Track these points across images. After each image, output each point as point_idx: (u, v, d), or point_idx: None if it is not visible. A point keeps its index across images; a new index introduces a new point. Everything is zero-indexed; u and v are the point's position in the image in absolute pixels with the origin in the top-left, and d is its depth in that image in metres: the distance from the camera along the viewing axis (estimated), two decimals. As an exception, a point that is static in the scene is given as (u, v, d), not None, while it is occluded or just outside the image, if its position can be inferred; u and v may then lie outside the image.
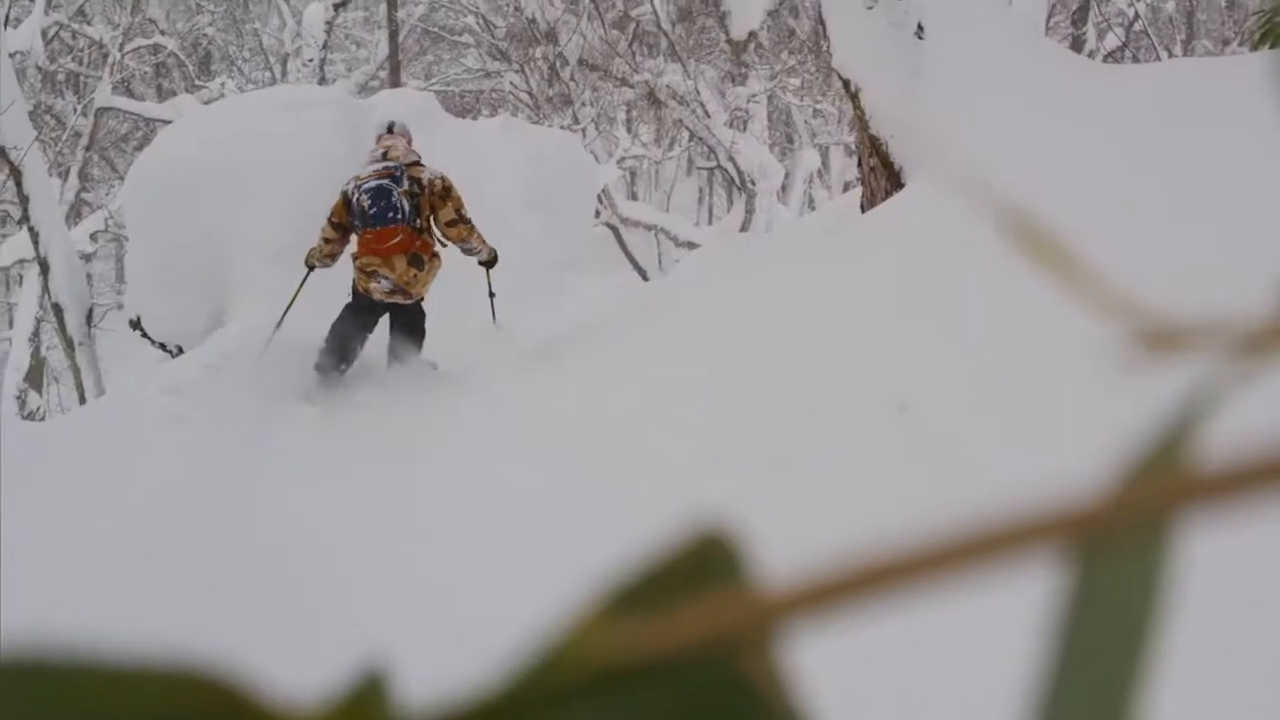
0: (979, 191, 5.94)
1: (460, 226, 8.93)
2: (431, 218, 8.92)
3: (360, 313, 8.95)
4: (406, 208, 8.66)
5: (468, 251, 9.09)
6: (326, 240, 8.97)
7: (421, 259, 8.74)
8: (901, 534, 0.22)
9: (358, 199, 8.68)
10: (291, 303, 9.22)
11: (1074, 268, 0.26)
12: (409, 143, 9.21)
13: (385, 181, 8.68)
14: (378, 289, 8.73)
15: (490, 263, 9.25)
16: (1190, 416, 0.26)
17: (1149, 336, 0.26)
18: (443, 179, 8.88)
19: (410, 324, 8.97)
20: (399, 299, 8.80)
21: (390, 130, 9.23)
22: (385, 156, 8.89)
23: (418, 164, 8.92)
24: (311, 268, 9.13)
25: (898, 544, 0.21)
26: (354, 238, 8.89)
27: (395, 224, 8.64)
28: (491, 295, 9.49)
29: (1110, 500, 0.23)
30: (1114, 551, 0.24)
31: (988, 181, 6.10)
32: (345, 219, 8.88)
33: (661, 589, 0.24)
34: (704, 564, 0.25)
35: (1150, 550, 0.25)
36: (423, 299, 8.97)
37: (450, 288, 9.12)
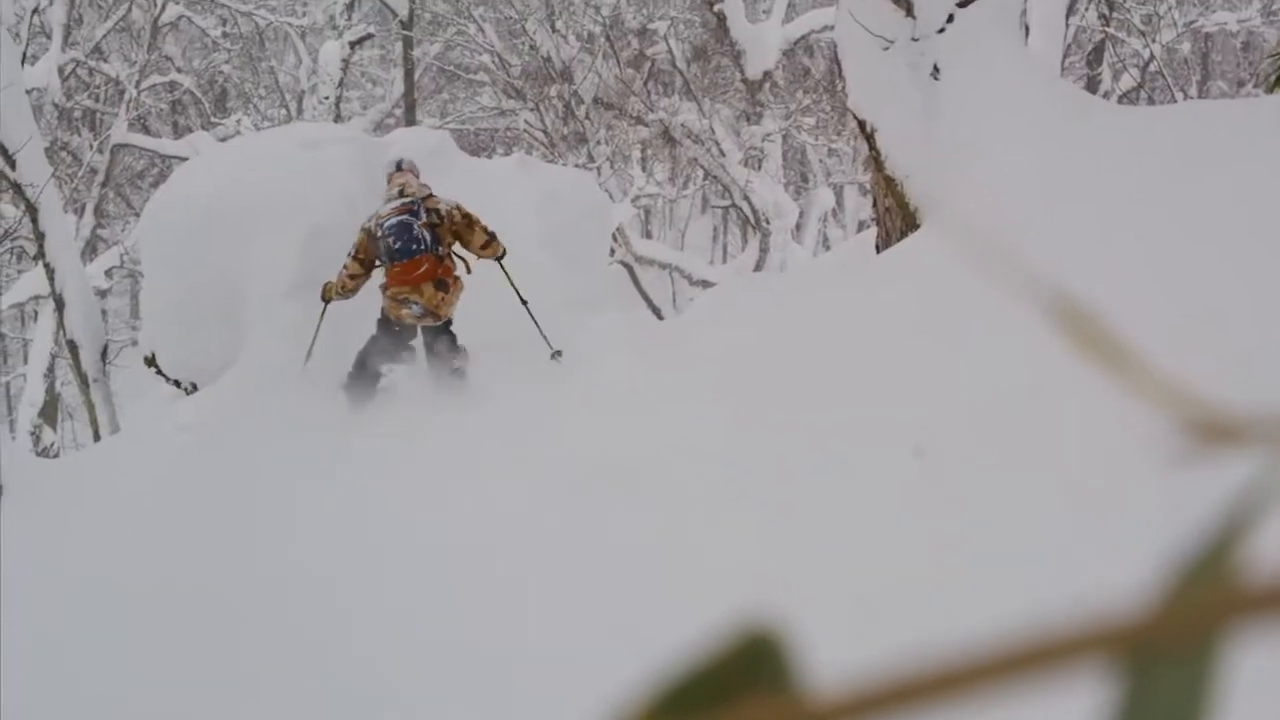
0: (986, 246, 5.93)
1: (492, 245, 9.53)
2: (458, 243, 9.44)
3: (390, 338, 9.35)
4: (428, 238, 9.13)
5: (497, 258, 9.66)
6: (352, 276, 9.33)
7: (446, 283, 9.16)
8: (949, 645, 0.22)
9: (383, 236, 9.09)
10: (316, 336, 9.55)
11: (1123, 355, 0.25)
12: (418, 176, 9.71)
13: (405, 217, 9.14)
14: (409, 315, 9.16)
15: (504, 254, 9.69)
16: (1238, 521, 0.25)
17: (1201, 428, 0.25)
18: (458, 208, 9.40)
19: (443, 341, 9.36)
20: (429, 321, 9.23)
21: (399, 168, 9.73)
22: (401, 193, 9.32)
23: (431, 195, 9.39)
24: (328, 301, 9.49)
25: (945, 654, 0.21)
26: (379, 271, 9.29)
27: (420, 254, 9.08)
28: (525, 303, 9.82)
29: (1157, 614, 0.22)
30: (1161, 665, 0.23)
31: (995, 235, 6.09)
32: (369, 254, 9.28)
33: (709, 690, 0.23)
34: (752, 665, 0.24)
35: (1198, 665, 0.24)
36: (450, 320, 9.36)
37: (484, 312, 9.32)
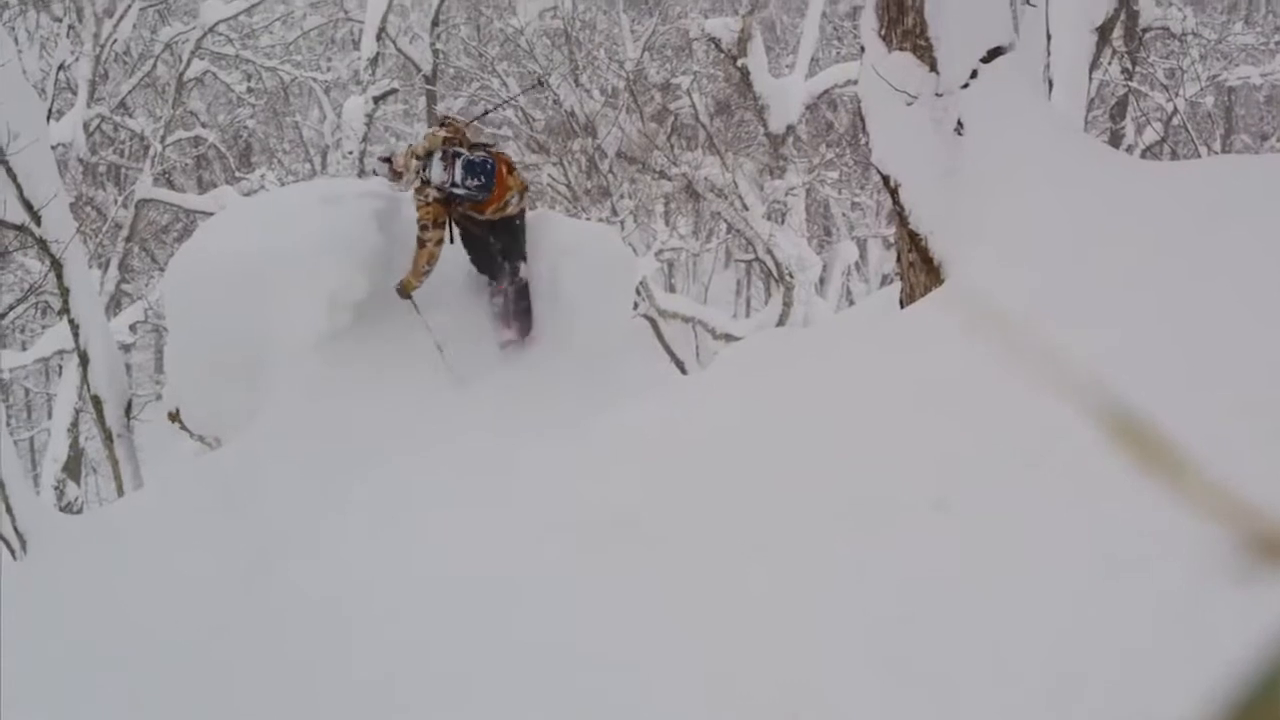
0: (989, 318, 5.90)
1: None
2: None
3: (485, 242, 10.61)
4: (484, 156, 10.09)
5: None
6: (438, 243, 10.13)
7: (512, 165, 10.44)
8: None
9: (465, 189, 9.96)
10: (431, 333, 10.31)
11: (1180, 466, 0.24)
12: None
13: (460, 160, 9.97)
14: (512, 207, 10.33)
15: None
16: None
17: (1262, 544, 0.24)
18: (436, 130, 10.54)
19: (518, 237, 10.71)
20: (525, 203, 10.57)
21: (388, 159, 10.92)
22: (422, 157, 10.20)
23: (430, 134, 10.44)
24: (412, 292, 10.24)
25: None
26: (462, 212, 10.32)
27: (494, 168, 10.03)
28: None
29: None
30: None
31: (1019, 314, 6.06)
32: (445, 216, 10.16)
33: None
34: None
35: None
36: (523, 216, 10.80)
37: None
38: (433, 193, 9.88)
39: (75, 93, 23.14)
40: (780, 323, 21.98)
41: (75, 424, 20.83)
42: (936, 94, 7.53)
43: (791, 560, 5.17)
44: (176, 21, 26.81)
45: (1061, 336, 5.37)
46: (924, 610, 4.42)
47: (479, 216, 10.22)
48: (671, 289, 33.02)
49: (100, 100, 24.29)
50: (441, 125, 10.56)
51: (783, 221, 23.82)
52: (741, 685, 4.58)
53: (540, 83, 11.34)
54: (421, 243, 10.04)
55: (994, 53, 7.48)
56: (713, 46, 23.28)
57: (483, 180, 9.93)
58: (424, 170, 9.98)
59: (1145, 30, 20.23)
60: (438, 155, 9.92)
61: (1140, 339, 5.09)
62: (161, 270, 23.27)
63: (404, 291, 10.11)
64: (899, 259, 8.20)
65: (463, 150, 10.03)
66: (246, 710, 5.81)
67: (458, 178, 9.86)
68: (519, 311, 10.78)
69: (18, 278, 24.31)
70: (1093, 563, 4.09)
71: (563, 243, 11.47)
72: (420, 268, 9.98)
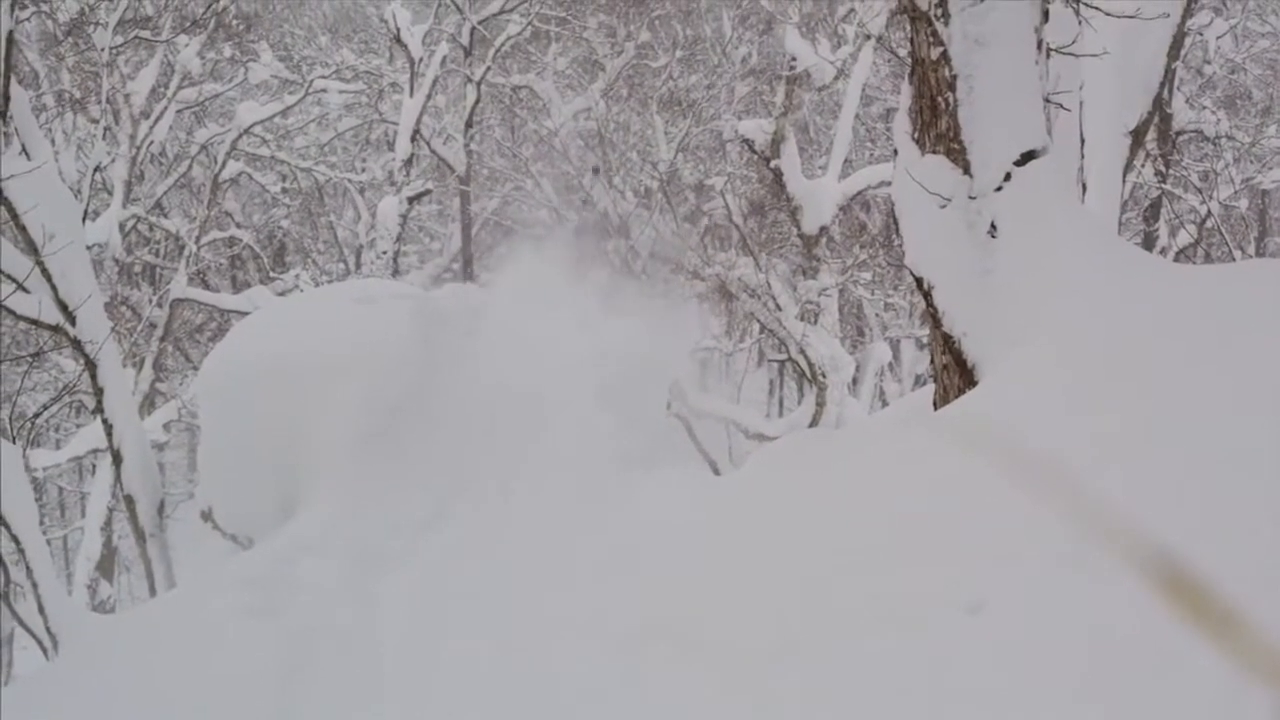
0: (1001, 450, 5.88)
1: None
2: None
3: None
4: None
5: None
6: None
7: None
8: None
9: None
10: None
11: (1228, 620, 0.24)
12: None
13: None
14: None
15: None
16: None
17: None
18: None
19: None
20: None
21: None
22: None
23: None
24: None
25: None
26: None
27: None
28: None
29: None
30: None
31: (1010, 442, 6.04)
32: None
33: None
34: None
35: None
36: None
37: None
38: None
39: (111, 193, 23.30)
40: (813, 423, 21.91)
41: (108, 523, 20.83)
42: (970, 197, 7.54)
43: (824, 663, 5.13)
44: (212, 123, 27.12)
45: (1091, 465, 5.34)
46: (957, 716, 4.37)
47: None
48: (704, 389, 33.04)
49: (136, 201, 24.47)
50: None
51: (816, 322, 23.80)
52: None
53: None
54: None
55: (1027, 156, 7.50)
56: (746, 148, 23.37)
57: None
58: None
59: (1179, 133, 20.31)
60: None
61: (1166, 461, 5.07)
62: (195, 369, 23.38)
63: None
64: (933, 361, 8.19)
65: None
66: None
67: None
68: None
69: (52, 377, 24.45)
70: (1138, 672, 4.05)
71: (595, 344, 11.49)
72: None
